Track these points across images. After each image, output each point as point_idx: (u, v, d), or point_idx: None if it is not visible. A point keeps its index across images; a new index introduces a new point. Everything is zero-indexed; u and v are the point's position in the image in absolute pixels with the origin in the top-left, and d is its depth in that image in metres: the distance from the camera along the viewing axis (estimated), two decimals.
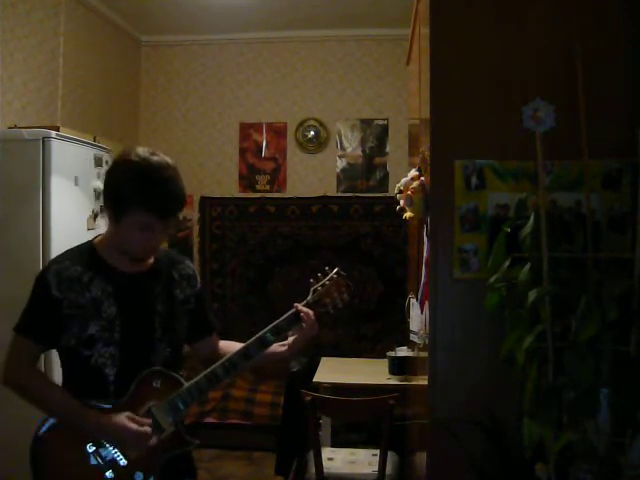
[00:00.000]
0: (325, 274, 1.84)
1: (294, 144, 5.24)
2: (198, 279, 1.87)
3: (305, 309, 1.78)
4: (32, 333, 1.63)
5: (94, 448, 1.59)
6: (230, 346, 1.88)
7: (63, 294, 1.60)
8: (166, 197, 1.57)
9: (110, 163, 1.68)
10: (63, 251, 1.72)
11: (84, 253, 1.69)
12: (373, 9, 4.58)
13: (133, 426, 1.58)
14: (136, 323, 1.67)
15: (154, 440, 1.61)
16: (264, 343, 1.75)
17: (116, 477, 1.59)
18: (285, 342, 1.81)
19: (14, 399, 1.65)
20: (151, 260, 1.74)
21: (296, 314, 1.78)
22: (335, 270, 1.84)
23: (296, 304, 1.79)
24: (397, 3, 4.16)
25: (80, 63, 4.33)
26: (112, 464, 1.59)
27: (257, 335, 1.75)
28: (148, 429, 1.60)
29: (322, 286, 1.81)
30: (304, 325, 1.77)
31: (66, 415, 1.60)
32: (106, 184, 1.64)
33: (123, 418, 1.58)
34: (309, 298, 1.80)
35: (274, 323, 1.77)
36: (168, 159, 1.63)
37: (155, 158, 1.58)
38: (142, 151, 1.60)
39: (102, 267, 1.67)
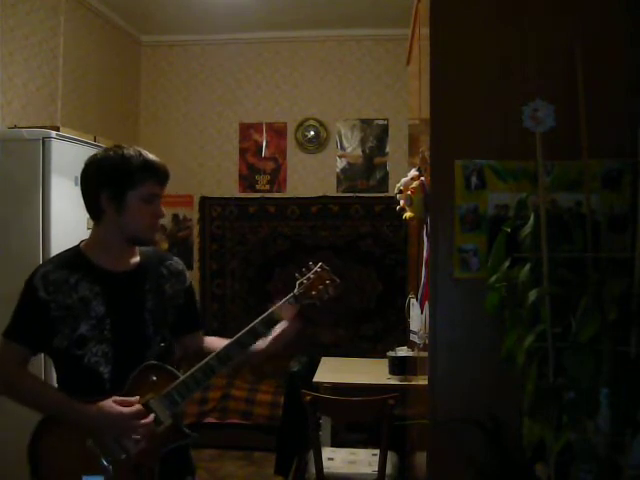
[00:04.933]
0: (309, 268, 1.87)
1: (294, 144, 5.24)
2: (187, 275, 1.89)
3: (281, 309, 1.78)
4: (21, 337, 1.65)
5: (92, 444, 1.59)
6: (215, 342, 1.90)
7: (50, 296, 1.62)
8: (161, 165, 1.71)
9: (86, 167, 1.72)
10: (51, 256, 1.77)
11: (71, 256, 1.72)
12: (373, 9, 4.59)
13: (122, 408, 1.58)
14: (126, 320, 1.69)
15: (149, 419, 1.61)
16: (255, 333, 1.76)
17: (115, 471, 1.59)
18: (269, 337, 1.81)
19: (10, 401, 1.65)
20: (137, 259, 1.77)
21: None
22: (319, 264, 1.87)
23: (272, 305, 1.80)
24: (397, 3, 4.16)
25: (80, 63, 4.34)
26: (111, 458, 1.59)
27: (248, 326, 1.76)
28: (139, 407, 1.61)
29: (307, 279, 1.84)
30: (283, 324, 1.79)
31: (58, 410, 1.61)
32: (99, 179, 1.67)
33: (109, 402, 1.59)
34: (295, 291, 1.83)
35: (263, 315, 1.78)
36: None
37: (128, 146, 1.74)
38: (110, 146, 1.76)
39: (89, 268, 1.69)
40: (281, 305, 1.80)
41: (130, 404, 1.61)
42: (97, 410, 1.58)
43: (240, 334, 1.75)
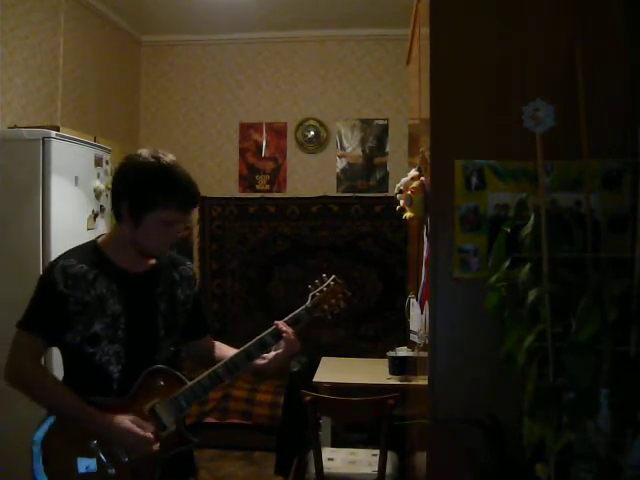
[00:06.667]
0: (322, 281, 1.88)
1: (294, 144, 5.24)
2: (197, 280, 1.89)
3: (285, 328, 1.78)
4: (37, 329, 1.63)
5: (96, 446, 1.59)
6: (222, 348, 1.91)
7: (69, 290, 1.61)
8: (190, 192, 1.64)
9: (120, 167, 1.68)
10: (68, 249, 1.72)
11: (89, 251, 1.70)
12: (373, 9, 4.59)
13: (138, 430, 1.58)
14: (140, 321, 1.69)
15: (157, 446, 1.61)
16: (264, 345, 1.77)
17: (118, 474, 1.59)
18: (266, 355, 1.80)
19: (14, 398, 1.65)
20: (153, 260, 1.76)
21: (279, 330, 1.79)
22: (332, 277, 1.89)
23: (276, 322, 1.80)
24: (397, 3, 4.16)
25: (80, 63, 4.34)
26: (114, 461, 1.59)
27: (258, 337, 1.77)
28: (151, 435, 1.61)
29: (320, 292, 1.85)
30: (283, 343, 1.78)
31: (71, 413, 1.60)
32: (123, 186, 1.64)
33: (128, 422, 1.58)
34: (308, 304, 1.84)
35: (272, 327, 1.78)
36: (172, 156, 1.67)
37: (168, 156, 1.64)
38: (152, 151, 1.65)
39: (107, 265, 1.68)
40: (292, 317, 1.80)
41: (146, 428, 1.60)
42: (113, 423, 1.58)
43: (248, 345, 1.76)
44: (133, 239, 1.66)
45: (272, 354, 1.80)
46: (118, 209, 1.66)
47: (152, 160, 1.62)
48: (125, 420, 1.59)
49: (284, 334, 1.77)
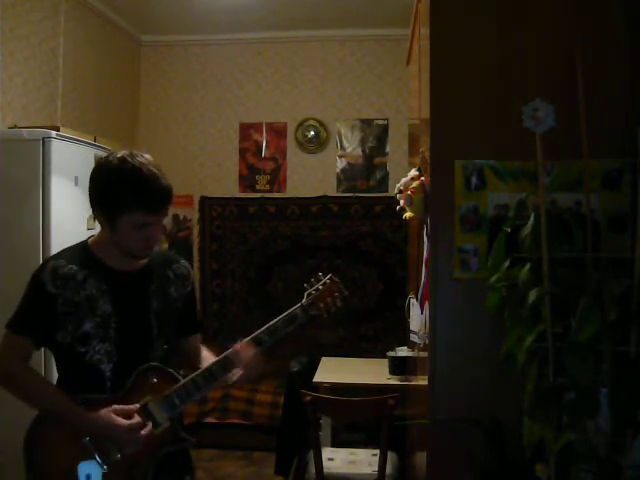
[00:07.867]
0: (319, 279, 1.85)
1: (294, 144, 5.24)
2: (191, 280, 1.87)
3: (239, 348, 1.72)
4: (26, 330, 1.64)
5: (88, 443, 1.59)
6: (207, 357, 1.86)
7: (58, 291, 1.62)
8: (158, 193, 1.61)
9: (91, 174, 1.68)
10: (60, 250, 1.74)
11: (79, 252, 1.71)
12: (373, 9, 4.59)
13: (121, 421, 1.58)
14: (132, 320, 1.69)
15: (147, 429, 1.61)
16: (259, 343, 1.75)
17: (110, 471, 1.58)
18: (234, 371, 1.75)
19: (9, 398, 1.65)
20: (144, 259, 1.76)
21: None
22: (328, 276, 1.86)
23: (235, 344, 1.74)
24: (397, 3, 4.16)
25: (80, 63, 4.34)
26: (106, 458, 1.59)
27: (252, 335, 1.75)
28: (138, 419, 1.60)
29: (316, 290, 1.83)
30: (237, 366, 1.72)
31: (57, 411, 1.61)
32: (94, 192, 1.65)
33: (109, 414, 1.58)
34: (303, 302, 1.82)
35: (268, 324, 1.77)
36: (148, 156, 1.65)
37: (137, 158, 1.61)
38: (122, 154, 1.63)
39: (97, 266, 1.68)
40: (287, 315, 1.78)
41: (130, 414, 1.60)
42: (96, 418, 1.58)
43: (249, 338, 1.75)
44: (114, 241, 1.67)
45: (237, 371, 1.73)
46: (95, 215, 1.68)
47: (117, 163, 1.60)
48: (106, 412, 1.58)
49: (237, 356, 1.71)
